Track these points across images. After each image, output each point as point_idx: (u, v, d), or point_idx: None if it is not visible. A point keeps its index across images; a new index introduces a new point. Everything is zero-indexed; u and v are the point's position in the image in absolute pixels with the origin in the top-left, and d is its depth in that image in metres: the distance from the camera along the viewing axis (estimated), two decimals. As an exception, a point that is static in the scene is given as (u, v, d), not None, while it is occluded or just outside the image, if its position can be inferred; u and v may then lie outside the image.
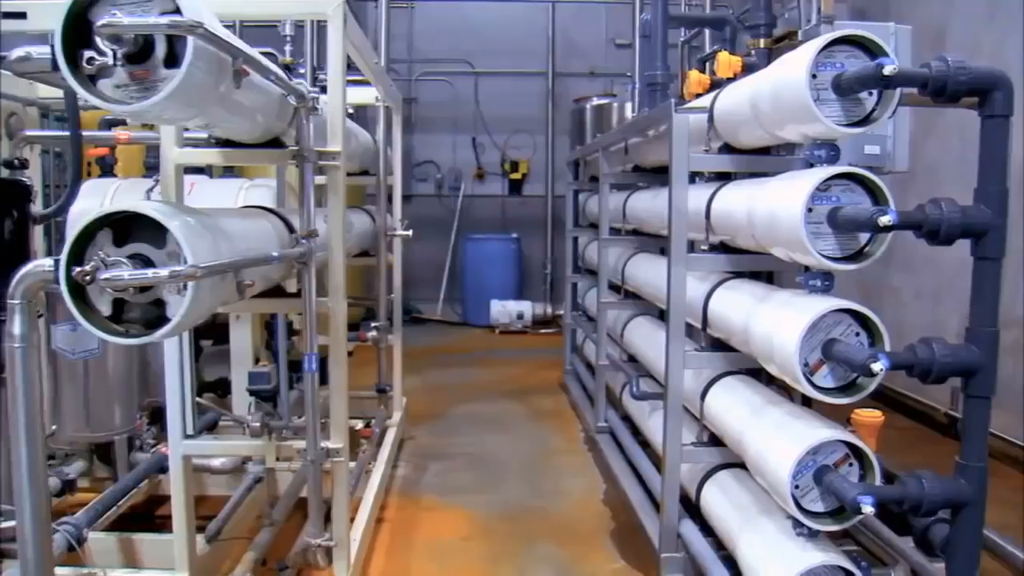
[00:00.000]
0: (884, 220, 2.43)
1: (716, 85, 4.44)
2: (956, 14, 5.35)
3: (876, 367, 2.45)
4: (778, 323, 2.83)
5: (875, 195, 2.66)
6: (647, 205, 5.30)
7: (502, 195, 11.98)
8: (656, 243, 5.58)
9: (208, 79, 2.00)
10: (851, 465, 2.72)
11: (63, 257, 1.92)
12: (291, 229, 2.97)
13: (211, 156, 2.96)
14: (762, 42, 3.92)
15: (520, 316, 10.66)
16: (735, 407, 3.34)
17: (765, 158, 3.60)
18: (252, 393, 5.08)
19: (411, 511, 4.53)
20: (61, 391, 3.74)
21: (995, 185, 2.50)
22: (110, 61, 1.84)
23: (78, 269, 1.89)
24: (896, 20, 4.25)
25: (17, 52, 2.11)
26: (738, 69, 3.95)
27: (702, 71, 4.45)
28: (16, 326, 2.11)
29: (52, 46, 1.97)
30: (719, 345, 3.70)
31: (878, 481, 2.68)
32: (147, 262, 1.96)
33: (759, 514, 3.18)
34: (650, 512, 4.23)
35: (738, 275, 3.70)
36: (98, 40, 1.83)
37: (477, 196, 11.89)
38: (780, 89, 2.81)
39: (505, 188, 11.97)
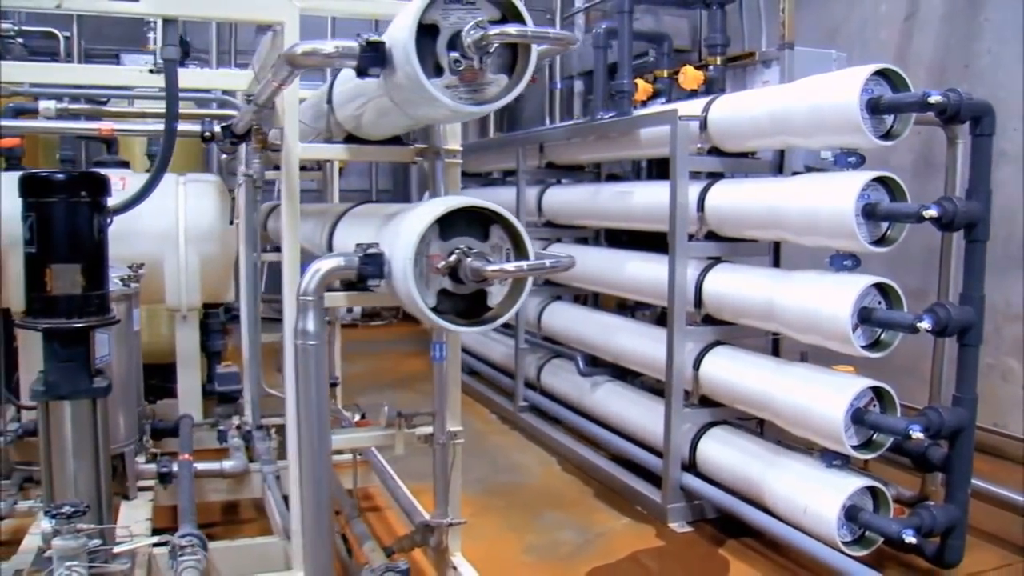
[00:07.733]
0: (930, 213, 3.16)
1: (658, 94, 5.08)
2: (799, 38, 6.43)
3: (923, 326, 3.19)
4: (823, 296, 3.47)
5: (893, 192, 3.41)
6: (569, 199, 5.80)
7: (319, 189, 11.74)
8: (577, 233, 6.11)
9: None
10: (874, 405, 3.46)
11: (411, 252, 1.98)
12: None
13: (336, 152, 2.96)
14: (719, 59, 4.58)
15: (350, 310, 10.62)
16: (752, 369, 3.96)
17: (746, 160, 4.28)
18: (221, 395, 4.86)
19: (399, 497, 4.61)
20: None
21: (983, 186, 3.34)
22: (476, 64, 1.95)
23: (444, 262, 1.98)
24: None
25: (304, 46, 2.05)
26: (700, 81, 4.60)
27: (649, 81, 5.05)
28: (310, 322, 2.07)
29: (362, 44, 2.02)
30: (709, 320, 4.31)
31: (898, 414, 3.44)
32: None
33: (777, 456, 3.84)
34: (628, 474, 4.75)
35: (717, 261, 4.34)
36: (465, 44, 1.93)
37: (291, 189, 11.55)
38: (822, 107, 3.44)
39: (321, 181, 11.77)
